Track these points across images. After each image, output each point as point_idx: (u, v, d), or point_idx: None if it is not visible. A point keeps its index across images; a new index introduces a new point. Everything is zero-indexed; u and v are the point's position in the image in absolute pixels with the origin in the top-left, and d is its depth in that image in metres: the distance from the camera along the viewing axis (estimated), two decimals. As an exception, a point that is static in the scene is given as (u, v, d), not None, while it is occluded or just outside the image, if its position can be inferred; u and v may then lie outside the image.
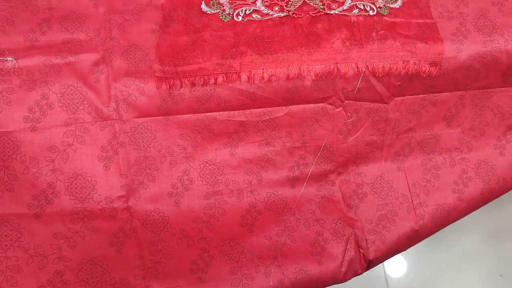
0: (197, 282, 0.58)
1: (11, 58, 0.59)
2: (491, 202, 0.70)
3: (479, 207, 0.70)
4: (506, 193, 0.70)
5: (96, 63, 0.60)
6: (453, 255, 1.09)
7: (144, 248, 0.58)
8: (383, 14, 0.65)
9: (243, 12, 0.64)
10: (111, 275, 0.56)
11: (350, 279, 0.65)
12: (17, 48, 0.59)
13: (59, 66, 0.59)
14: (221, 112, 0.62)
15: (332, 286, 0.65)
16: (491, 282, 1.07)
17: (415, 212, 0.67)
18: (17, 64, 0.58)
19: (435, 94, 0.67)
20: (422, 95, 0.66)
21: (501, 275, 1.08)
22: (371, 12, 0.64)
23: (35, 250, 0.55)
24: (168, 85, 0.60)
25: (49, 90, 0.59)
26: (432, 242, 1.06)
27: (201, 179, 0.62)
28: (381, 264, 1.04)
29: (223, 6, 0.64)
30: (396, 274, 1.08)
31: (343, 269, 0.64)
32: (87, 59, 0.60)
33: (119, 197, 0.59)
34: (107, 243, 0.57)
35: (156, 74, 0.60)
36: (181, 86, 0.60)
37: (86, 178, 0.58)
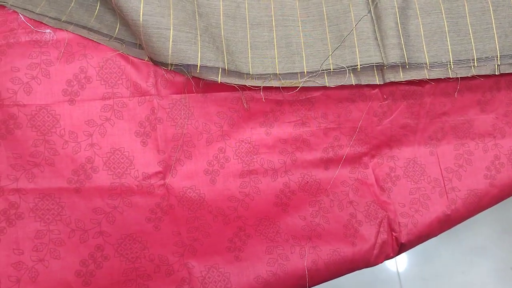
0: (233, 260, 0.60)
1: (49, 31, 0.60)
2: None
3: (511, 195, 0.72)
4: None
5: (135, 38, 0.61)
6: (464, 248, 1.12)
7: (181, 225, 0.60)
8: None
9: None
10: (150, 251, 0.58)
11: (381, 262, 0.67)
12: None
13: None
14: (259, 91, 0.64)
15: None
16: (501, 275, 1.10)
17: (447, 197, 0.69)
18: (55, 35, 0.60)
19: (470, 78, 0.69)
20: (459, 80, 0.68)
21: (511, 269, 1.10)
22: None
23: (76, 224, 0.56)
24: None
25: (87, 64, 0.60)
26: (443, 235, 1.09)
27: (237, 157, 0.64)
28: None
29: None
30: (407, 266, 1.10)
31: (375, 251, 0.65)
32: (126, 33, 0.61)
33: (156, 173, 0.61)
34: (145, 219, 0.59)
35: None
36: None
37: (124, 153, 0.60)
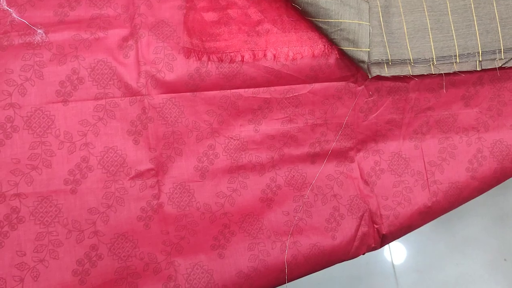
0: (217, 257, 0.64)
1: (40, 31, 0.63)
2: (495, 187, 0.77)
3: (493, 187, 0.76)
4: (511, 178, 0.77)
5: (125, 39, 0.65)
6: (457, 240, 1.16)
7: (170, 223, 0.65)
8: None
9: (270, -11, 0.69)
10: (140, 250, 0.63)
11: (363, 253, 0.72)
12: (47, 23, 0.63)
13: (89, 41, 0.64)
14: (246, 89, 0.68)
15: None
16: (495, 266, 1.14)
17: (429, 190, 0.74)
18: (47, 37, 0.63)
19: (454, 74, 0.72)
20: (443, 76, 0.72)
21: (505, 260, 1.15)
22: None
23: (72, 225, 0.61)
24: (197, 57, 0.65)
25: (79, 65, 0.64)
26: (437, 226, 1.14)
27: (226, 153, 0.69)
28: (387, 247, 1.12)
29: (249, -17, 0.69)
30: (402, 258, 1.15)
31: (356, 243, 0.70)
32: (116, 34, 0.65)
33: (148, 170, 0.65)
34: (136, 218, 0.64)
35: (185, 45, 0.65)
36: (209, 61, 0.65)
37: (117, 152, 0.64)
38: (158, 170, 0.66)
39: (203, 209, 0.66)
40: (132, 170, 0.64)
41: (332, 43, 0.68)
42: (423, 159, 0.75)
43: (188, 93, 0.66)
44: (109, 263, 0.61)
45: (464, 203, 0.76)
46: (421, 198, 0.73)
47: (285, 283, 0.66)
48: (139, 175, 0.65)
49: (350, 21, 0.65)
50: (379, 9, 0.68)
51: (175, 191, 0.66)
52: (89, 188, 0.62)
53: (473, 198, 0.76)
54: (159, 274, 0.62)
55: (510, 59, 0.71)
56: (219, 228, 0.66)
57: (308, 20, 0.68)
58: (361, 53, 0.66)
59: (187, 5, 0.66)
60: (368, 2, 0.67)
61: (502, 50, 0.70)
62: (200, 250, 0.64)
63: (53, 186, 0.61)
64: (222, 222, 0.66)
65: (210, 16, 0.67)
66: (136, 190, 0.64)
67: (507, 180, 0.77)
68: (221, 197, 0.68)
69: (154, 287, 0.61)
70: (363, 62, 0.67)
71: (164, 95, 0.66)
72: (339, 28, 0.65)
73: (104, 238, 0.62)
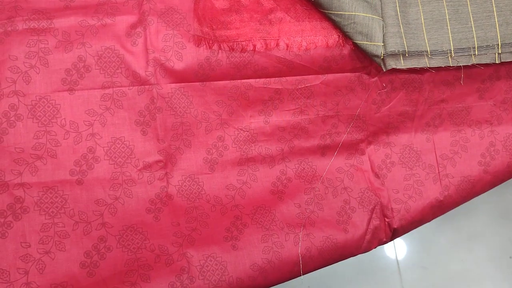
0: (230, 249, 0.64)
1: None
2: (502, 184, 0.76)
3: (504, 181, 0.76)
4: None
5: (133, 26, 0.63)
6: (463, 236, 1.16)
7: (180, 215, 0.64)
8: None
9: (283, -25, 0.67)
10: (151, 242, 0.62)
11: (375, 247, 0.72)
12: (53, 8, 0.61)
13: (96, 28, 0.62)
14: (257, 79, 0.66)
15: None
16: (501, 263, 1.14)
17: (440, 183, 0.73)
18: (52, 23, 0.61)
19: (470, 66, 0.71)
20: (462, 69, 0.71)
21: (510, 257, 1.15)
22: None
23: (79, 216, 0.60)
24: (207, 45, 0.63)
25: (86, 52, 0.62)
26: (443, 222, 1.14)
27: (235, 145, 0.68)
28: (391, 243, 1.12)
29: (262, -31, 0.66)
30: (406, 254, 1.15)
31: (367, 237, 0.70)
32: (124, 21, 0.63)
33: (157, 162, 0.64)
34: (145, 210, 0.63)
35: (195, 33, 0.63)
36: (220, 49, 0.64)
37: (124, 143, 0.63)
38: (167, 162, 0.64)
39: (213, 201, 0.65)
40: (140, 161, 0.63)
41: (345, 36, 0.66)
42: (435, 152, 0.74)
43: (197, 83, 0.65)
44: (118, 255, 0.60)
45: (475, 197, 0.76)
46: (432, 192, 0.73)
47: (299, 276, 0.65)
48: (147, 166, 0.63)
49: (364, 14, 0.64)
50: None
51: (184, 183, 0.65)
52: (96, 179, 0.61)
53: (484, 192, 0.76)
54: (172, 266, 0.61)
55: None
56: (231, 220, 0.65)
57: (321, 11, 0.66)
58: (374, 47, 0.65)
59: (198, -9, 0.64)
60: None
61: None
62: (212, 241, 0.63)
63: (59, 176, 0.60)
64: (234, 214, 0.65)
65: (221, 3, 0.65)
66: (144, 182, 0.63)
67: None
68: (231, 189, 0.67)
69: (167, 278, 0.60)
70: (377, 56, 0.65)
71: (173, 85, 0.64)
72: (352, 21, 0.64)
73: (113, 230, 0.61)
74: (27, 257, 0.58)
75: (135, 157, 0.63)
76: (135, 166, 0.63)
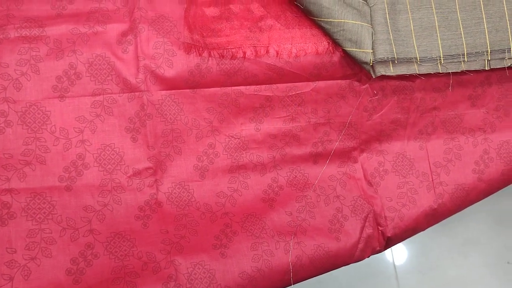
0: (219, 257, 0.63)
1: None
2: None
3: (499, 189, 0.75)
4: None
5: (124, 34, 0.64)
6: (460, 242, 1.16)
7: (169, 223, 0.64)
8: None
9: (273, -16, 0.68)
10: (138, 249, 0.62)
11: (368, 256, 0.71)
12: (44, 16, 0.62)
13: (87, 36, 0.63)
14: (248, 86, 0.67)
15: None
16: (497, 269, 1.14)
17: (434, 191, 0.73)
18: (44, 31, 0.62)
19: (461, 73, 0.72)
20: (451, 75, 0.71)
21: (508, 262, 1.15)
22: None
23: (67, 222, 0.60)
24: (197, 52, 0.64)
25: (77, 60, 0.63)
26: (440, 228, 1.12)
27: (226, 153, 0.68)
28: (389, 249, 1.12)
29: (252, -22, 0.68)
30: (404, 259, 1.14)
31: (360, 245, 0.69)
32: (115, 29, 0.64)
33: (146, 169, 0.64)
34: (134, 217, 0.63)
35: (185, 41, 0.64)
36: (210, 57, 0.65)
37: (114, 149, 0.63)
38: (157, 168, 0.65)
39: (203, 208, 0.65)
40: (129, 168, 0.63)
41: (334, 43, 0.67)
42: (428, 160, 0.74)
43: (188, 90, 0.65)
44: (105, 262, 0.60)
45: (470, 205, 0.75)
46: (426, 200, 0.72)
47: (290, 285, 0.65)
48: (137, 173, 0.63)
49: (353, 22, 0.64)
50: (385, 5, 0.67)
51: (174, 190, 0.65)
52: (85, 185, 0.61)
53: (479, 201, 0.75)
54: (159, 273, 0.60)
55: None
56: (220, 227, 0.65)
57: (311, 19, 0.67)
58: (363, 54, 0.65)
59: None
60: (370, 6, 0.67)
61: None
62: (201, 249, 0.63)
63: (47, 182, 0.60)
64: (224, 221, 0.65)
65: (211, 11, 0.66)
66: (133, 189, 0.63)
67: (511, 182, 0.76)
68: (222, 197, 0.67)
69: (154, 286, 0.59)
70: (366, 63, 0.66)
71: (164, 92, 0.65)
72: (342, 29, 0.64)
73: (100, 236, 0.60)
74: (12, 263, 0.58)
75: (124, 164, 0.63)
76: (125, 173, 0.63)
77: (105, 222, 0.61)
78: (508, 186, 0.77)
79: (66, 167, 0.61)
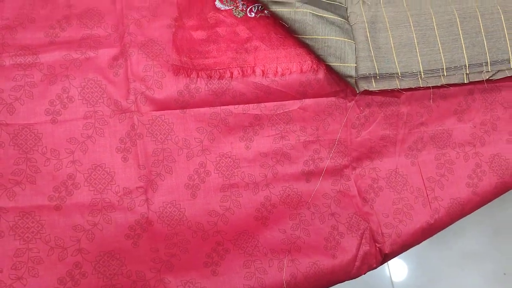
0: (210, 275, 0.62)
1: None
2: (494, 201, 0.76)
3: (491, 200, 0.75)
4: (508, 191, 0.76)
5: (115, 58, 0.67)
6: (457, 254, 1.15)
7: (160, 241, 0.63)
8: None
9: (256, 8, 0.72)
10: (128, 268, 0.61)
11: (364, 273, 0.70)
12: (38, 44, 0.66)
13: (79, 61, 0.66)
14: (236, 106, 0.69)
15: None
16: (495, 280, 1.13)
17: (430, 206, 0.73)
18: (38, 59, 0.65)
19: (444, 88, 0.74)
20: (431, 89, 0.73)
21: (504, 274, 1.13)
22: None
23: (55, 242, 0.60)
24: (185, 74, 0.67)
25: (69, 84, 0.65)
26: (436, 240, 1.12)
27: (217, 171, 0.68)
28: (385, 264, 1.11)
29: (236, 3, 0.72)
30: (400, 273, 1.13)
31: (357, 263, 0.68)
32: (106, 54, 0.67)
33: (137, 188, 0.64)
34: (124, 236, 0.62)
35: (174, 63, 0.67)
36: (198, 77, 0.67)
37: (105, 169, 0.64)
38: (147, 188, 0.65)
39: (195, 227, 0.65)
40: (120, 187, 0.64)
41: (319, 59, 0.70)
42: (421, 175, 0.74)
43: (177, 110, 0.67)
44: (93, 282, 0.58)
45: (463, 217, 0.75)
46: (423, 216, 0.72)
47: None
48: (128, 193, 0.64)
49: (336, 38, 0.68)
50: (366, 24, 0.71)
51: (165, 209, 0.65)
52: (75, 205, 0.61)
53: (472, 212, 0.75)
54: None
55: (497, 72, 0.73)
56: (212, 245, 0.64)
57: (296, 37, 0.70)
58: (348, 68, 0.68)
59: (176, 24, 0.69)
60: (351, 24, 0.70)
61: (489, 62, 0.72)
62: (192, 267, 0.61)
63: (36, 201, 0.60)
64: (215, 239, 0.64)
65: (199, 34, 0.69)
66: (124, 208, 0.63)
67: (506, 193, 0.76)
68: (214, 215, 0.66)
69: None
70: (350, 77, 0.68)
71: (154, 112, 0.66)
72: (326, 45, 0.68)
73: (89, 256, 0.60)
74: None
75: (115, 183, 0.64)
76: (116, 192, 0.63)
77: (95, 241, 0.61)
78: (504, 198, 0.78)
79: (56, 186, 0.61)
